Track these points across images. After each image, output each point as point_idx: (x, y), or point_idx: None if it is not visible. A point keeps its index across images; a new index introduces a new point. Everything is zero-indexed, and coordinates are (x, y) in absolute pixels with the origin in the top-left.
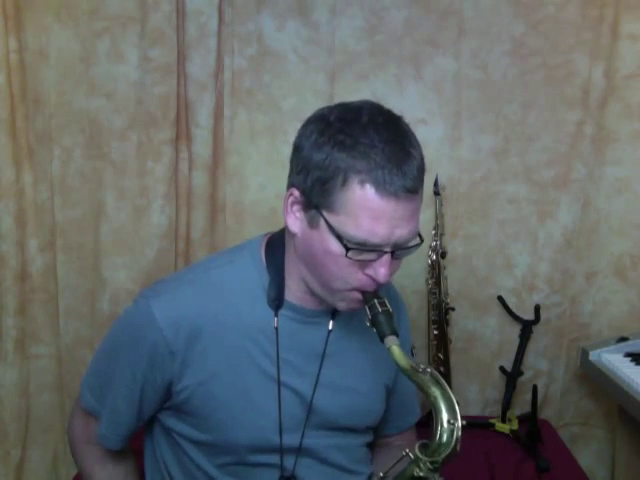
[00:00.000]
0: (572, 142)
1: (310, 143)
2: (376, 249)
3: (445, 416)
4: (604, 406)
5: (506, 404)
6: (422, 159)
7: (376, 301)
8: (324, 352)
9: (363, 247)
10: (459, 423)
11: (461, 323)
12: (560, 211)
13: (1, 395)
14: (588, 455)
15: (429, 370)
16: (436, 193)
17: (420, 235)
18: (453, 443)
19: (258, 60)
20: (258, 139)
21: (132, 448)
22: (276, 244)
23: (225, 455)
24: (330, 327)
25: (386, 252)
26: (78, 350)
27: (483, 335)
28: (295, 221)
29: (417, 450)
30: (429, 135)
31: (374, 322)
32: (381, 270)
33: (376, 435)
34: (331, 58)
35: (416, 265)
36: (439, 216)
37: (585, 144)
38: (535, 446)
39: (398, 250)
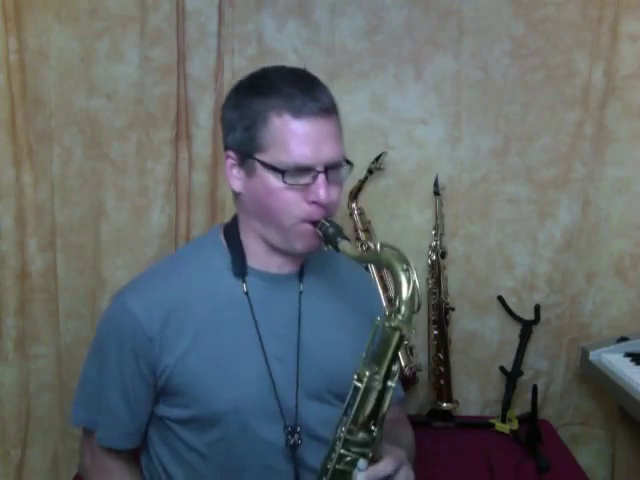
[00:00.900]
0: (572, 142)
1: (230, 104)
2: (309, 170)
3: (400, 269)
4: (604, 406)
5: (506, 404)
6: (329, 92)
7: (323, 220)
8: (299, 314)
9: (297, 171)
10: (412, 267)
11: (461, 323)
12: (560, 211)
13: (1, 395)
14: (588, 455)
15: (378, 244)
16: (436, 193)
17: (348, 160)
18: (412, 286)
19: (258, 60)
20: None
21: (141, 468)
22: (231, 225)
23: (213, 428)
24: (301, 289)
25: (319, 172)
26: (78, 350)
27: (483, 335)
28: (236, 181)
29: (386, 311)
30: (429, 135)
31: (326, 236)
32: (320, 191)
33: None
34: (331, 58)
35: (416, 265)
36: (439, 216)
37: (585, 144)
38: (535, 446)
39: (330, 170)
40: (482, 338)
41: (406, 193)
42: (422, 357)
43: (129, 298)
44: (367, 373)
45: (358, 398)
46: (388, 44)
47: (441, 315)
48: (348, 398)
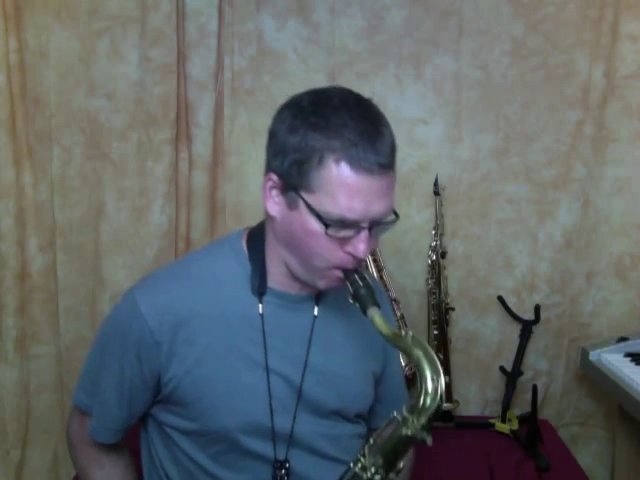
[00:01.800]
0: (572, 142)
1: (285, 127)
2: (354, 225)
3: (429, 373)
4: (604, 406)
5: (506, 404)
6: (393, 137)
7: (356, 276)
8: (310, 337)
9: (341, 224)
10: (442, 380)
11: (461, 323)
12: (560, 211)
13: (1, 395)
14: (588, 455)
15: (410, 333)
16: (436, 193)
17: (395, 212)
18: (438, 398)
19: (258, 60)
20: (258, 139)
21: (129, 447)
22: (257, 234)
23: (216, 443)
24: (315, 313)
25: (364, 228)
26: (78, 350)
27: (483, 335)
28: (274, 205)
29: (404, 410)
30: (429, 135)
31: (356, 296)
32: (360, 246)
33: (368, 428)
34: (331, 58)
35: (416, 265)
36: (439, 216)
37: (585, 144)
38: (535, 446)
39: (375, 226)
40: (482, 338)
41: (406, 193)
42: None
43: (141, 298)
44: (372, 468)
45: None
46: (388, 44)
47: (441, 315)
48: (344, 476)
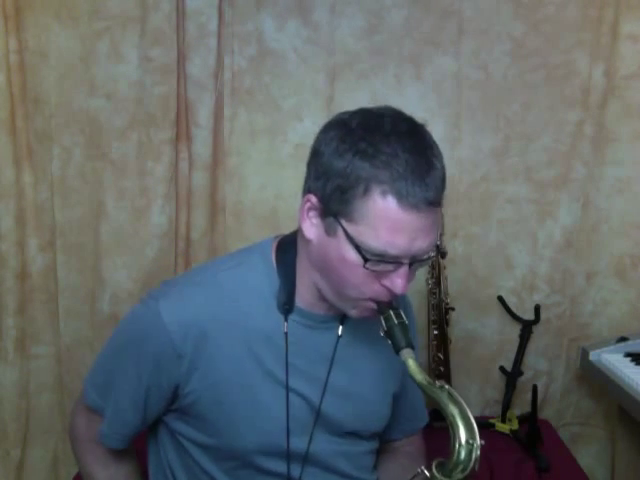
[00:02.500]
0: (572, 142)
1: (331, 149)
2: (394, 261)
3: (464, 435)
4: (604, 406)
5: (506, 404)
6: (444, 169)
7: (392, 312)
8: (333, 357)
9: (381, 258)
10: (477, 443)
11: (461, 323)
12: (560, 211)
13: (1, 395)
14: (588, 455)
15: (446, 387)
16: None
17: (439, 246)
18: (472, 463)
19: (258, 60)
20: (258, 139)
21: (134, 449)
22: (287, 248)
23: (231, 460)
24: (340, 333)
25: (404, 264)
26: (78, 350)
27: (483, 335)
28: (311, 227)
29: (434, 468)
30: None
31: (390, 334)
32: (398, 281)
33: (382, 439)
34: (331, 58)
35: None
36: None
37: (585, 144)
38: (535, 446)
39: (415, 262)
40: (482, 338)
41: None
42: (422, 357)
43: (164, 308)
44: None
45: None
46: (388, 44)
47: (441, 315)
48: None
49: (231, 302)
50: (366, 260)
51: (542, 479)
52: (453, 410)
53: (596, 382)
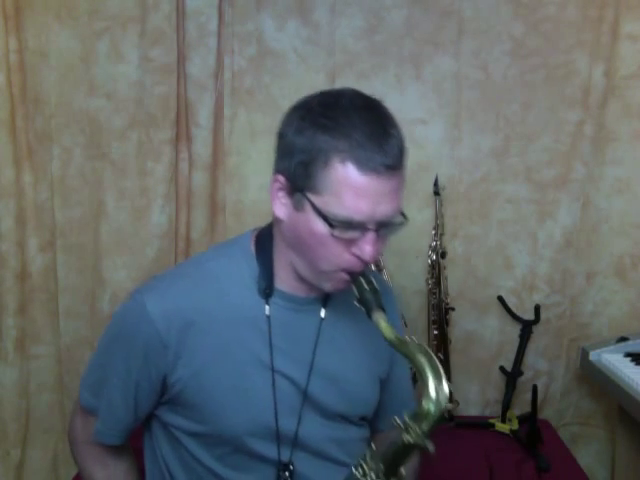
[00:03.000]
0: (572, 142)
1: (293, 129)
2: (360, 226)
3: (432, 382)
4: (604, 406)
5: (506, 404)
6: (402, 139)
7: (362, 279)
8: (317, 339)
9: (347, 225)
10: (445, 386)
11: (461, 323)
12: (560, 211)
13: (1, 395)
14: (588, 455)
15: (414, 339)
16: (436, 193)
17: (404, 214)
18: (442, 406)
19: (258, 60)
20: (258, 139)
21: (131, 447)
22: (265, 236)
23: (222, 445)
24: (322, 315)
25: (370, 229)
26: (78, 350)
27: (483, 335)
28: (281, 207)
29: (406, 417)
30: (429, 135)
31: (361, 300)
32: (367, 248)
33: (373, 430)
34: (331, 58)
35: (416, 265)
36: (439, 216)
37: (585, 144)
38: (535, 446)
39: (382, 228)
40: (482, 338)
41: (406, 193)
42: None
43: (149, 300)
44: (372, 474)
45: None
46: (388, 44)
47: (441, 315)
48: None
49: (213, 291)
50: (333, 227)
51: (542, 479)
52: (421, 359)
53: (596, 382)
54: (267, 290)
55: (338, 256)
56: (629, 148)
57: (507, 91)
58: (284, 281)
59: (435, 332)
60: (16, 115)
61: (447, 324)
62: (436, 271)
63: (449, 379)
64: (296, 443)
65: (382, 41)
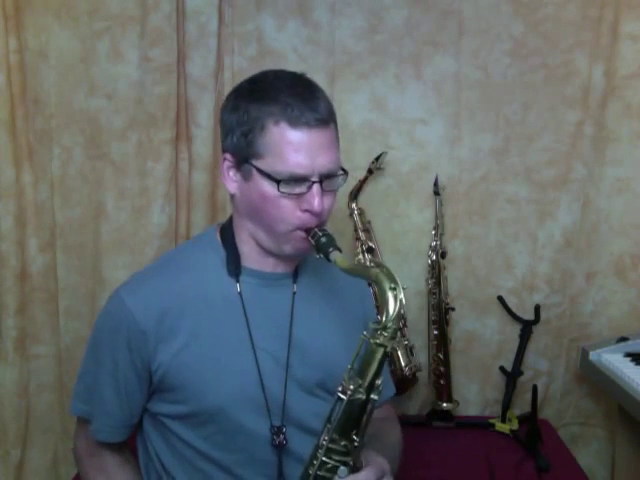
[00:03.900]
0: (572, 142)
1: (228, 109)
2: (304, 179)
3: (387, 284)
4: (604, 406)
5: (506, 404)
6: (328, 100)
7: (316, 229)
8: (292, 314)
9: (292, 180)
10: (400, 287)
11: (461, 323)
12: (560, 211)
13: (1, 395)
14: (588, 455)
15: (367, 258)
16: (436, 193)
17: (344, 168)
18: (399, 305)
19: (258, 60)
20: None
21: (135, 455)
22: (226, 225)
23: (208, 423)
24: (294, 290)
25: (314, 182)
26: (78, 350)
27: (483, 335)
28: (232, 183)
29: (371, 326)
30: (429, 135)
31: (318, 246)
32: (314, 200)
33: None
34: (331, 58)
35: (416, 265)
36: (439, 216)
37: (585, 144)
38: (535, 446)
39: (325, 180)
40: (482, 338)
41: (406, 193)
42: (422, 357)
43: (125, 293)
44: (351, 386)
45: (341, 409)
46: (388, 44)
47: (441, 315)
48: (331, 407)
49: (185, 277)
50: (278, 182)
51: (542, 479)
52: (375, 271)
53: (596, 382)
54: (235, 269)
55: (290, 214)
56: (629, 148)
57: (507, 91)
58: (250, 258)
59: (435, 332)
60: (16, 115)
61: (447, 324)
62: (436, 271)
63: (449, 379)
64: (285, 414)
65: (382, 41)
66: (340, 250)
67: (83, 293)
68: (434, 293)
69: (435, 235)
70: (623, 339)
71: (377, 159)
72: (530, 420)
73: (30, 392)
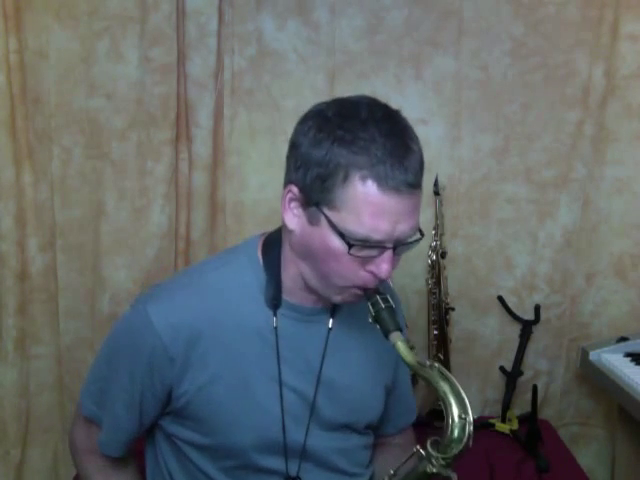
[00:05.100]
0: (572, 142)
1: (308, 139)
2: (378, 245)
3: (456, 411)
4: (604, 406)
5: (506, 404)
6: (421, 153)
7: (379, 297)
8: (324, 351)
9: (365, 244)
10: (470, 417)
11: (461, 323)
12: (560, 211)
13: (1, 395)
14: (588, 455)
15: (436, 365)
16: (436, 193)
17: (421, 230)
18: (465, 438)
19: (258, 60)
20: (258, 139)
21: (134, 455)
22: (273, 244)
23: (229, 458)
24: (330, 325)
25: (388, 248)
26: (78, 350)
27: (483, 335)
28: (293, 218)
29: (429, 446)
30: (429, 135)
31: (377, 319)
32: (383, 266)
33: (375, 435)
34: (331, 58)
35: (416, 265)
36: (439, 216)
37: (585, 144)
38: (535, 446)
39: (399, 246)
40: (482, 338)
41: None
42: (422, 357)
43: (153, 312)
44: None
45: None
46: (388, 44)
47: (441, 315)
48: None
49: (219, 301)
50: (350, 246)
51: (542, 479)
52: (444, 387)
53: (596, 382)
54: (275, 301)
55: (353, 273)
56: (629, 148)
57: (507, 91)
58: (292, 291)
59: (435, 332)
60: (16, 115)
61: (447, 324)
62: (436, 271)
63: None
64: (303, 455)
65: (382, 41)
66: (402, 330)
67: (83, 293)
68: (434, 293)
69: (435, 235)
70: (623, 339)
71: None
72: (530, 420)
73: (30, 392)
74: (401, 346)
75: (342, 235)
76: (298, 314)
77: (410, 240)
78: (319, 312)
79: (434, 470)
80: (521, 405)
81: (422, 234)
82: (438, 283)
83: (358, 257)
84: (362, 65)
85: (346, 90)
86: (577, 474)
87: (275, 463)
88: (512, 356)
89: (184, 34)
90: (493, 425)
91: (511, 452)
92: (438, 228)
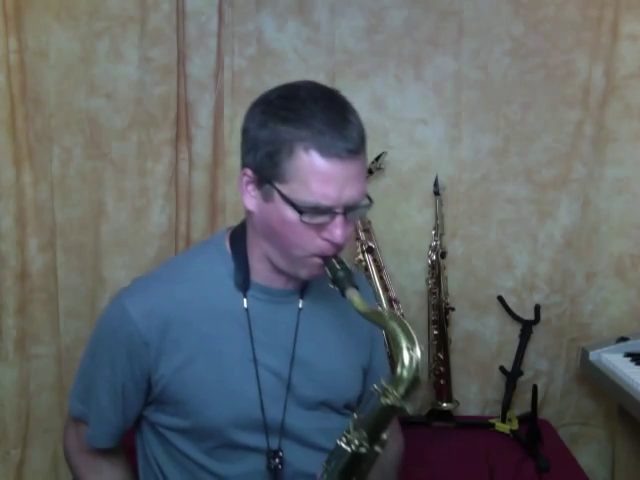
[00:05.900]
0: (572, 142)
1: (255, 123)
2: (328, 211)
3: (404, 344)
4: (604, 406)
5: (506, 404)
6: (361, 126)
7: (334, 261)
8: (297, 330)
9: (316, 210)
10: (417, 349)
11: (461, 323)
12: (560, 211)
13: (1, 395)
14: (588, 455)
15: (387, 309)
16: (436, 193)
17: (369, 196)
18: (414, 367)
19: (258, 60)
20: None
21: (126, 452)
22: (238, 233)
23: (210, 439)
24: (300, 306)
25: (338, 213)
26: (78, 350)
27: (483, 335)
28: (251, 199)
29: (383, 381)
30: (429, 135)
31: (334, 279)
32: (336, 231)
33: None
34: (331, 58)
35: (416, 265)
36: (439, 216)
37: (585, 144)
38: (535, 446)
39: (349, 211)
40: (482, 338)
41: (406, 193)
42: (422, 357)
43: (128, 301)
44: (356, 441)
45: (343, 460)
46: (388, 44)
47: (441, 315)
48: (331, 452)
49: (191, 288)
50: (301, 213)
51: (542, 479)
52: (393, 325)
53: (596, 382)
54: (244, 284)
55: (309, 242)
56: (629, 148)
57: (507, 91)
58: (260, 274)
59: (435, 332)
60: (16, 115)
61: (447, 324)
62: (436, 271)
63: (449, 379)
64: (283, 432)
65: (382, 41)
66: (357, 287)
67: (83, 293)
68: (434, 293)
69: (435, 235)
70: (623, 339)
71: (377, 159)
72: (530, 420)
73: (30, 392)
74: (356, 299)
75: (294, 205)
76: (268, 295)
77: (359, 205)
78: (289, 293)
79: (389, 402)
80: (521, 405)
81: (371, 200)
82: (438, 283)
83: (312, 225)
84: (362, 65)
85: (346, 90)
86: (577, 474)
87: (256, 440)
88: (512, 356)
89: (184, 34)
90: (493, 425)
91: (511, 452)
92: (438, 228)
